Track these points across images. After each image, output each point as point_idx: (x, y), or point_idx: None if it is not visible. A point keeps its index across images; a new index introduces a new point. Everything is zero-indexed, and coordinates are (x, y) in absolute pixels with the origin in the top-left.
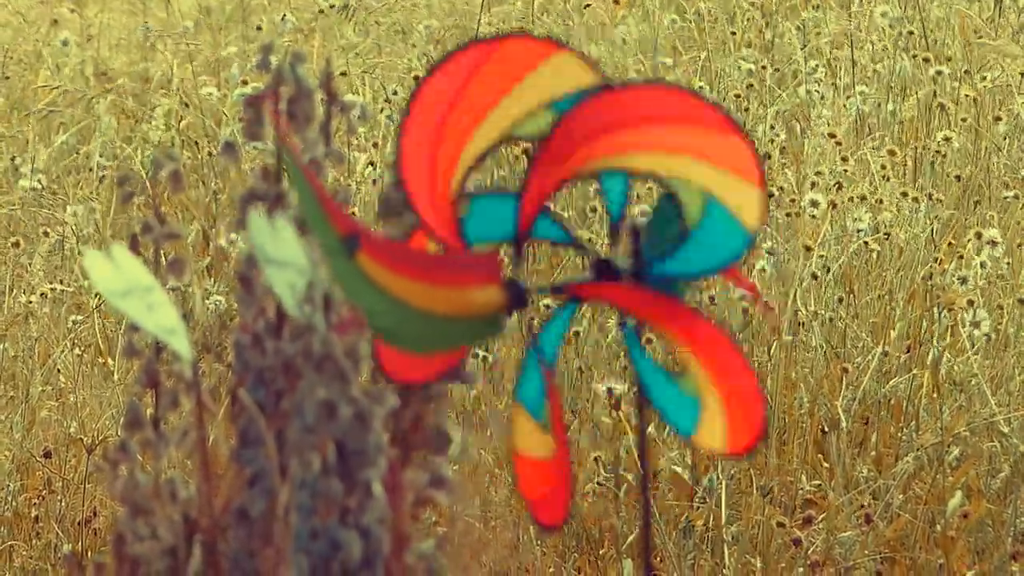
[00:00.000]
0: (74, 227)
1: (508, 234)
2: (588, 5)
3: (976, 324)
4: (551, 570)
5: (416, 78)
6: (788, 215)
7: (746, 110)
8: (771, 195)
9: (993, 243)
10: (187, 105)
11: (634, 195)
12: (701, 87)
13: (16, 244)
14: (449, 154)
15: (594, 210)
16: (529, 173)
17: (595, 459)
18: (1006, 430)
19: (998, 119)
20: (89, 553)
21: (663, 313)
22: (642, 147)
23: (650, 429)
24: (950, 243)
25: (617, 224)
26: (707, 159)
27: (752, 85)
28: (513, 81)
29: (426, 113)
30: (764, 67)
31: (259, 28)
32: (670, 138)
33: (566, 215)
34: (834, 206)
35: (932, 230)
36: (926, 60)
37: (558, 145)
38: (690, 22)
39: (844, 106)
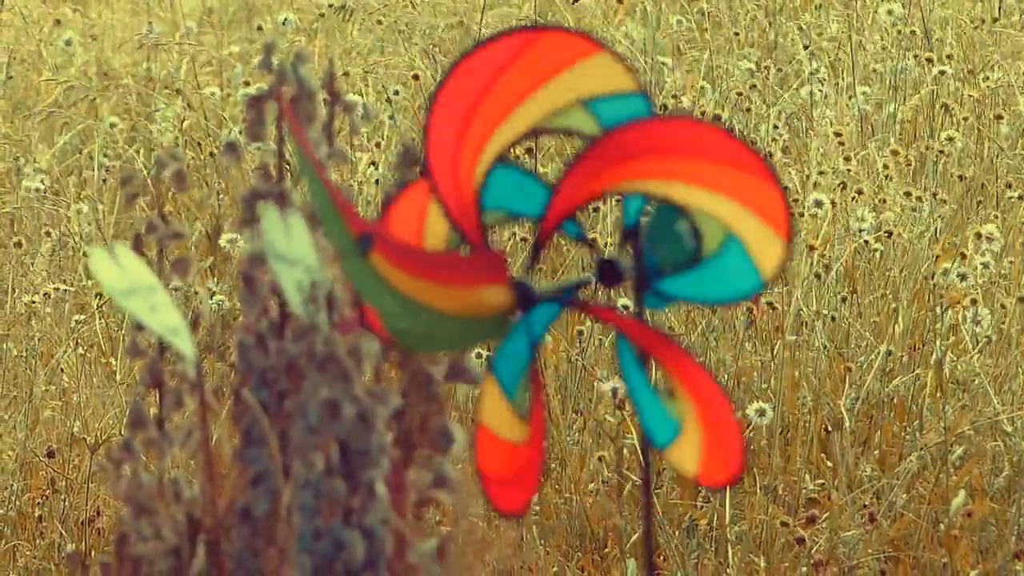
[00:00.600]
0: (77, 226)
1: (522, 210)
2: (576, 1)
3: (977, 322)
4: (554, 569)
5: (416, 76)
6: (791, 215)
7: (747, 110)
8: None
9: (990, 239)
10: (189, 106)
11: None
12: (703, 87)
13: (19, 244)
14: (478, 137)
15: (596, 209)
16: (562, 182)
17: (599, 458)
18: (1009, 429)
19: (999, 118)
20: (93, 553)
21: (660, 349)
22: (676, 176)
23: None
24: (952, 242)
25: (631, 231)
26: (738, 200)
27: (755, 85)
28: (551, 73)
29: (459, 92)
30: (767, 67)
31: (259, 28)
32: (706, 173)
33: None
34: (834, 205)
35: (936, 230)
36: (929, 60)
37: (595, 160)
38: (691, 22)
39: (847, 106)
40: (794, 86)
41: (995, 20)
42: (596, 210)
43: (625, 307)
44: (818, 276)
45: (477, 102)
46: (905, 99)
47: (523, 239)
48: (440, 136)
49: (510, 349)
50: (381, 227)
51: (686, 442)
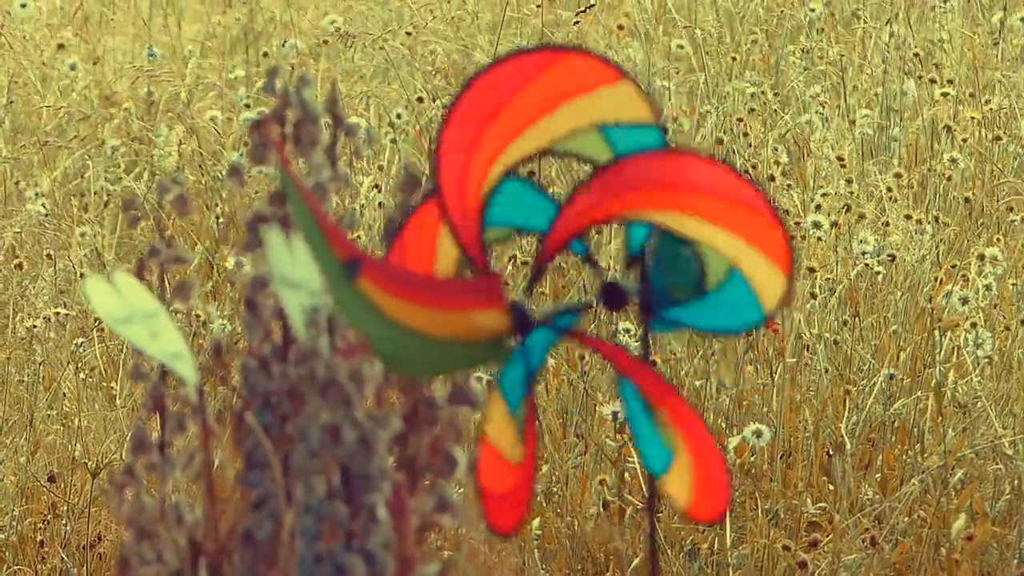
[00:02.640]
0: (80, 250)
1: (529, 224)
2: (577, 22)
3: (979, 345)
4: None
5: (419, 99)
6: (792, 238)
7: (745, 135)
8: None
9: (994, 261)
10: (192, 130)
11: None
12: (708, 111)
13: (19, 266)
14: (490, 150)
15: (599, 231)
16: (570, 202)
17: (600, 482)
18: (1011, 452)
19: (998, 139)
20: None
21: (657, 390)
22: (683, 208)
23: None
24: (954, 265)
25: (636, 256)
26: (741, 235)
27: (754, 109)
28: (572, 95)
29: (475, 107)
30: (764, 92)
31: (265, 55)
32: (711, 208)
33: None
34: (835, 225)
35: (938, 253)
36: (933, 81)
37: (605, 185)
38: (689, 48)
39: (847, 129)
40: (794, 110)
41: (996, 43)
42: (599, 232)
43: (627, 330)
44: (813, 296)
45: (492, 117)
46: (902, 122)
47: (524, 262)
48: (452, 149)
49: (513, 365)
50: (394, 251)
51: (678, 471)
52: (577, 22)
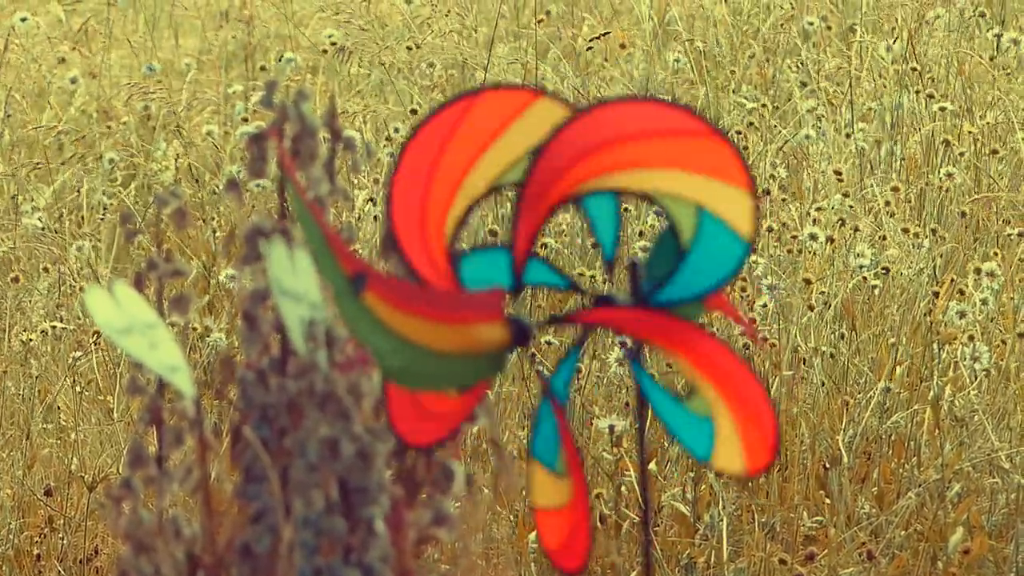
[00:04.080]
0: (76, 263)
1: (505, 283)
2: (591, 47)
3: (976, 358)
4: None
5: (414, 111)
6: (790, 251)
7: (745, 148)
8: (770, 230)
9: (991, 275)
10: (189, 144)
11: (630, 230)
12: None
13: (16, 279)
14: (439, 206)
15: (596, 245)
16: (516, 214)
17: (596, 496)
18: (1007, 466)
19: (995, 152)
20: None
21: (668, 334)
22: (626, 165)
23: (651, 465)
24: (952, 279)
25: (611, 260)
26: (692, 168)
27: (753, 123)
28: (497, 132)
29: (414, 169)
30: (764, 105)
31: (263, 68)
32: (652, 152)
33: (565, 252)
34: (831, 240)
35: (935, 267)
36: (930, 96)
37: (541, 178)
38: (689, 62)
39: (844, 143)
40: (792, 123)
41: (992, 58)
42: (596, 246)
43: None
44: (810, 308)
45: (431, 174)
46: (902, 136)
47: None
48: (404, 213)
49: (540, 428)
50: (374, 267)
51: (724, 442)
52: (590, 47)
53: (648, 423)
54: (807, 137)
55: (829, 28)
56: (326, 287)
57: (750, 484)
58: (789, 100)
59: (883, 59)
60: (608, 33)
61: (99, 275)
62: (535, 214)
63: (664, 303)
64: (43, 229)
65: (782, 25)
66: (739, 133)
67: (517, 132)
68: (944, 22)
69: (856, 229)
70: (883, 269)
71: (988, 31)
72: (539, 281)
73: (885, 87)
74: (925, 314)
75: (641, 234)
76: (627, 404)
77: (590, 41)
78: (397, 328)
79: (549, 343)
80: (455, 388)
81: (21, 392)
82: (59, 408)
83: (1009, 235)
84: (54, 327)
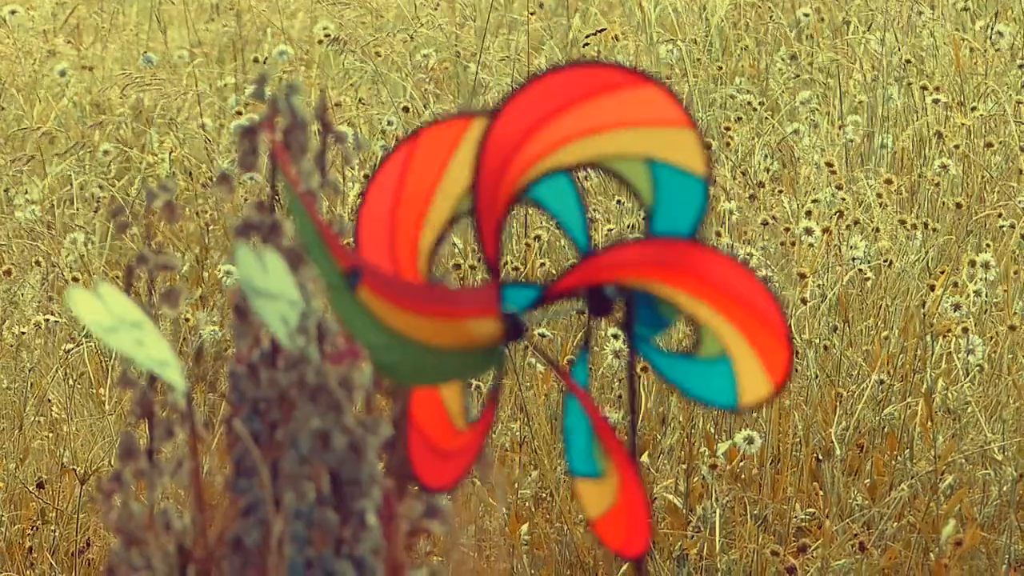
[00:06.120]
0: (70, 256)
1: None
2: (587, 44)
3: (971, 351)
4: None
5: (406, 108)
6: (783, 244)
7: (727, 145)
8: (765, 223)
9: (986, 267)
10: (182, 136)
11: (626, 224)
12: (697, 119)
13: (8, 272)
14: (407, 246)
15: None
16: (476, 226)
17: None
18: (1000, 457)
19: (989, 145)
20: None
21: (667, 266)
22: (567, 138)
23: (644, 458)
24: (944, 271)
25: (588, 251)
26: (630, 123)
27: (741, 117)
28: (444, 165)
29: (375, 212)
30: (755, 100)
31: (256, 60)
32: (590, 116)
33: (558, 244)
34: (827, 231)
35: (928, 259)
36: (923, 88)
37: (488, 182)
38: (680, 52)
39: (836, 135)
40: (783, 115)
41: (985, 50)
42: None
43: (616, 336)
44: (804, 301)
45: (392, 217)
46: (891, 128)
47: (515, 268)
48: (373, 251)
49: (571, 440)
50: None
51: (745, 375)
52: (587, 44)
53: (640, 416)
54: (795, 131)
55: (822, 20)
56: (319, 281)
57: (742, 476)
58: (781, 92)
59: (875, 51)
60: (604, 29)
61: (91, 268)
62: (492, 217)
63: (649, 348)
64: (35, 222)
65: (772, 18)
66: (728, 129)
67: (462, 160)
68: (939, 13)
69: (856, 222)
70: (885, 261)
71: (978, 23)
72: (522, 306)
73: (877, 79)
74: (921, 306)
75: (632, 228)
76: (620, 396)
77: (587, 37)
78: (391, 323)
79: (543, 336)
80: (449, 383)
81: (14, 385)
82: (50, 401)
83: (1002, 227)
84: (47, 320)
